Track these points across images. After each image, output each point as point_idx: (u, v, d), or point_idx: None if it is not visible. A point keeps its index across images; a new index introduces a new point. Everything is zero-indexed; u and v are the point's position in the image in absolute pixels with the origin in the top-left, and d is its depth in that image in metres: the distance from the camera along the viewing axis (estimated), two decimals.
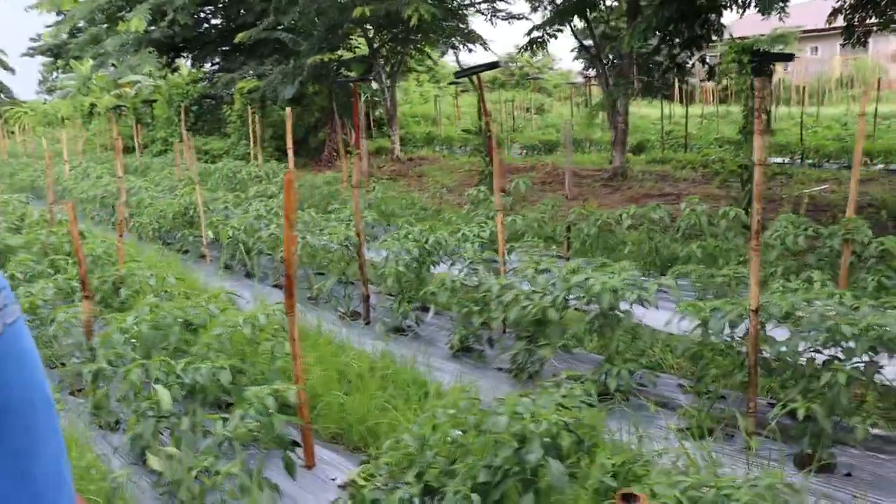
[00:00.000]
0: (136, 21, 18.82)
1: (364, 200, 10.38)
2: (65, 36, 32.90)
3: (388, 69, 19.38)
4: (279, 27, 19.63)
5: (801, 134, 16.48)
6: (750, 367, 3.94)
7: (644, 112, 28.00)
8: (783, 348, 3.80)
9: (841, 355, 3.73)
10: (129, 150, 22.58)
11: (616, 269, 4.85)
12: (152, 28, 21.74)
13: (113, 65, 21.87)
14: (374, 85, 21.06)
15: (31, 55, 40.14)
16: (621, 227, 7.29)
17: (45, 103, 36.24)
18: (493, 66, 13.28)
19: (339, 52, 19.43)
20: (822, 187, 13.24)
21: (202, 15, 22.16)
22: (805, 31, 40.22)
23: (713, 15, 11.61)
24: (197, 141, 19.41)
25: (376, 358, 5.64)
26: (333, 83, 18.71)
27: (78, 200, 13.48)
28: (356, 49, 20.98)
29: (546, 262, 5.42)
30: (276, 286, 8.03)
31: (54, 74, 39.42)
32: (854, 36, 13.35)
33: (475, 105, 33.20)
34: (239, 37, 18.53)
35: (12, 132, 33.52)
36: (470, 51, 19.62)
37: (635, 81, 13.49)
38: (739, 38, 50.83)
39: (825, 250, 6.23)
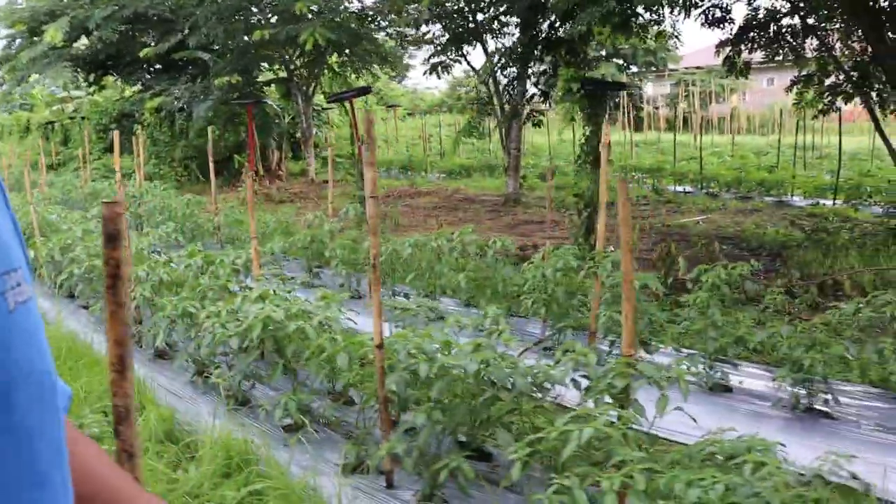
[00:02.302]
0: (52, 33, 18.77)
1: (213, 223, 10.36)
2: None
3: (303, 90, 19.42)
4: (213, 47, 19.66)
5: (701, 163, 16.62)
6: (379, 403, 3.90)
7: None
8: (393, 386, 3.76)
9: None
10: (51, 167, 22.47)
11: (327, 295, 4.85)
12: (79, 44, 21.73)
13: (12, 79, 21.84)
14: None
15: None
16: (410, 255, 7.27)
17: None
18: (364, 91, 13.36)
19: (255, 74, 19.46)
20: (700, 218, 13.35)
21: (130, 33, 22.09)
22: (759, 63, 40.78)
23: (573, 46, 11.66)
24: (108, 160, 19.31)
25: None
26: (242, 104, 18.71)
27: None
28: (278, 71, 21.03)
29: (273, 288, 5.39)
30: (83, 306, 7.95)
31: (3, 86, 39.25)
32: (735, 69, 13.52)
33: (419, 128, 33.21)
34: (144, 52, 18.55)
35: None
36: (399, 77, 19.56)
37: (505, 108, 13.54)
38: (695, 67, 50.75)
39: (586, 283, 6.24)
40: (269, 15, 17.89)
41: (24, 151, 24.30)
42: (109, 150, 20.79)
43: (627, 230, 3.49)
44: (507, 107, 13.82)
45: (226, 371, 5.14)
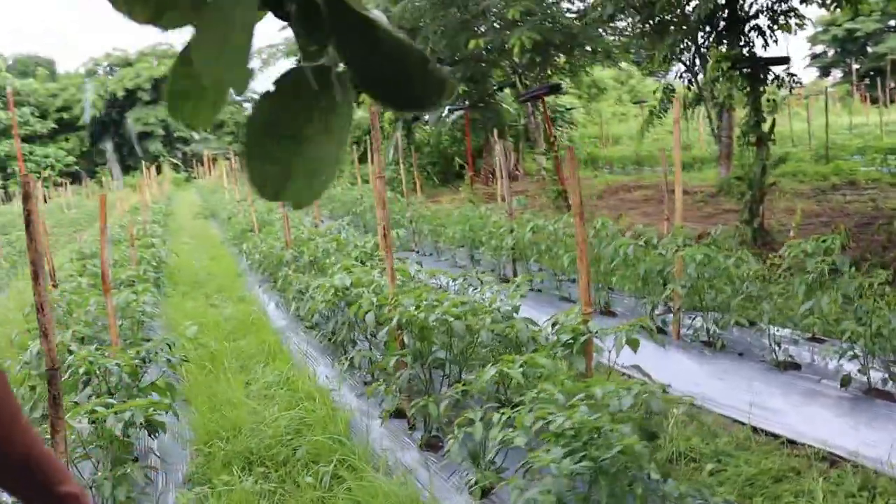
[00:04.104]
0: None
1: (405, 217, 11.56)
2: None
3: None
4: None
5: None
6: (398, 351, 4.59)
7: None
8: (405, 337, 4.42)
9: None
10: None
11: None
12: None
13: None
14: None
15: None
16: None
17: None
18: (555, 88, 13.61)
19: (483, 81, 20.66)
20: None
21: None
22: None
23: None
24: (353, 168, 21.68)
25: None
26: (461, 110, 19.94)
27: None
28: (511, 76, 22.07)
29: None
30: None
31: None
32: None
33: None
34: None
35: None
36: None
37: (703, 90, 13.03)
38: None
39: None
40: (493, 23, 18.95)
41: None
42: (361, 160, 23.31)
43: (577, 198, 3.83)
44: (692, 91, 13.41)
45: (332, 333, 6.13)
